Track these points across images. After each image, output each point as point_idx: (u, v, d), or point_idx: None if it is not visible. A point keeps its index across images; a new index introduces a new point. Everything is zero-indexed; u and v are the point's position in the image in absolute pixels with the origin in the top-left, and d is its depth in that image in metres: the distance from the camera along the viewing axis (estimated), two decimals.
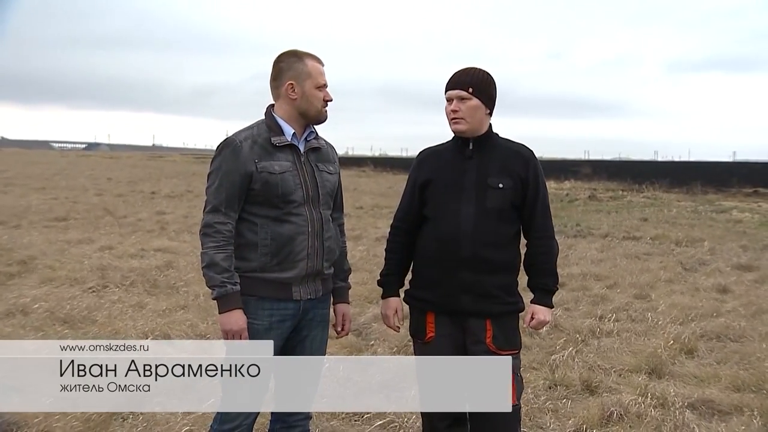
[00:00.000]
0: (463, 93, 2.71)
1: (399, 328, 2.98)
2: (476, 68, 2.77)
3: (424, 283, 2.82)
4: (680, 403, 3.99)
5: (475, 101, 2.71)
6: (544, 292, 2.81)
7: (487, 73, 2.77)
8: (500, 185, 2.70)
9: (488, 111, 2.76)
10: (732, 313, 6.38)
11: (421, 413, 2.97)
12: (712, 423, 3.83)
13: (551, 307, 2.82)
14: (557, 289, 2.86)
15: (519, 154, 2.78)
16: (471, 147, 2.76)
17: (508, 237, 2.75)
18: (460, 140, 2.78)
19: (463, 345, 2.75)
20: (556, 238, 2.89)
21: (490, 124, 2.80)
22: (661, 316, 6.18)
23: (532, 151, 2.81)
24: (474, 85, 2.72)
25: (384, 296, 2.95)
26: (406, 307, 2.93)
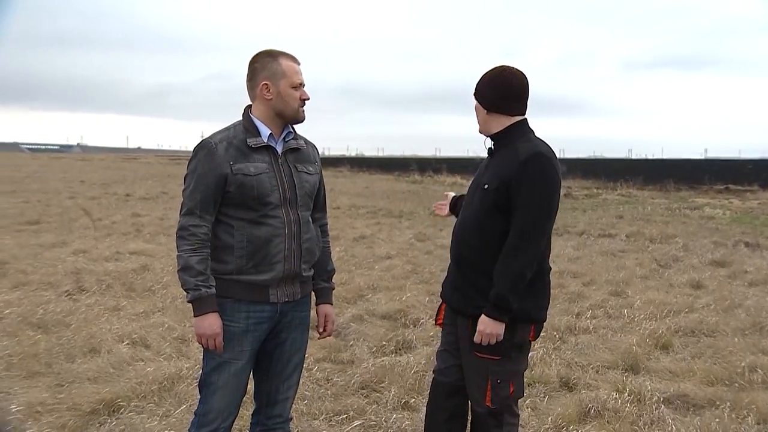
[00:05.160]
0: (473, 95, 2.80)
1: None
2: (490, 69, 2.79)
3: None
4: (656, 398, 4.04)
5: (475, 102, 2.79)
6: (491, 304, 2.62)
7: (492, 72, 2.75)
8: (486, 186, 2.70)
9: (486, 111, 2.75)
10: (705, 309, 6.48)
11: (426, 408, 3.06)
12: (687, 417, 3.89)
13: (498, 320, 2.61)
14: (504, 303, 2.59)
15: (516, 154, 2.64)
16: (493, 146, 2.81)
17: (488, 240, 2.67)
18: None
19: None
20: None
21: (519, 122, 2.74)
22: (637, 313, 6.26)
23: (537, 153, 2.63)
24: (476, 87, 2.80)
25: None
26: None
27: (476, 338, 2.65)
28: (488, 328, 2.62)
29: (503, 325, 2.63)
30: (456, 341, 2.87)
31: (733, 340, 5.38)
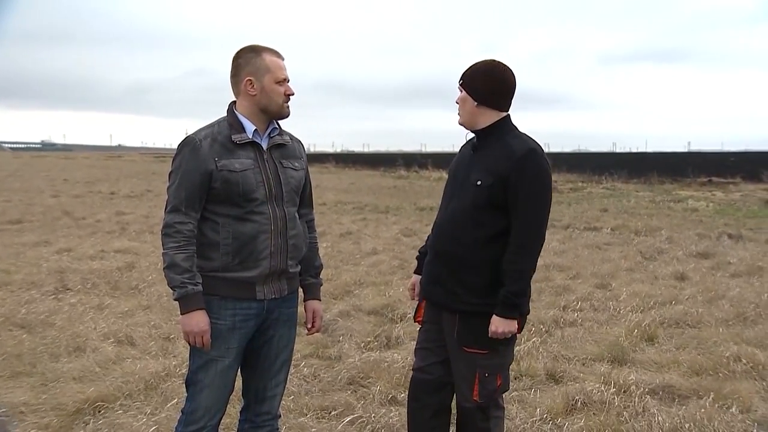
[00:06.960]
0: (458, 85, 2.77)
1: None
2: (480, 61, 2.77)
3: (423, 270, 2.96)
4: (642, 389, 4.07)
5: (462, 93, 2.74)
6: (502, 303, 2.63)
7: (486, 65, 2.74)
8: (478, 182, 2.66)
9: (476, 104, 2.71)
10: (690, 300, 6.54)
11: (407, 404, 3.04)
12: (672, 407, 3.91)
13: (511, 318, 2.64)
14: (519, 301, 2.64)
15: (511, 151, 2.63)
16: (477, 141, 2.78)
17: (481, 236, 2.66)
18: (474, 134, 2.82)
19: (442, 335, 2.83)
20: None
21: (505, 118, 2.74)
22: (622, 305, 6.31)
23: (532, 150, 2.64)
24: (464, 77, 2.75)
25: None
26: None
27: (491, 335, 2.65)
28: (501, 327, 2.63)
29: (515, 322, 2.66)
30: (439, 338, 2.84)
31: (717, 330, 5.44)
